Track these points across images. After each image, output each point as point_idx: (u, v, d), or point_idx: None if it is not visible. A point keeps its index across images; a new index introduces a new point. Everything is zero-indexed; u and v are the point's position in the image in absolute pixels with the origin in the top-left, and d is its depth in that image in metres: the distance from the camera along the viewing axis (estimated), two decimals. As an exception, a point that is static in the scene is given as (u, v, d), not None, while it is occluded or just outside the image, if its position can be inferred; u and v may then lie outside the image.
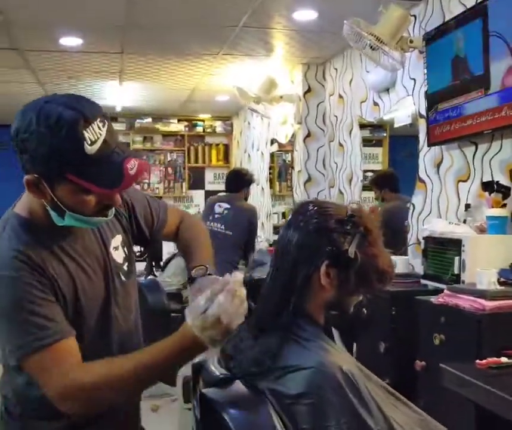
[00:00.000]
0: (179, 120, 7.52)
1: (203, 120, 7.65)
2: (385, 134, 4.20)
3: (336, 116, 4.54)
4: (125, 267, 1.43)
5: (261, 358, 1.27)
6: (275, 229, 5.75)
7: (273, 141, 5.76)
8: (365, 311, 2.95)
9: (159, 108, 6.96)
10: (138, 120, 7.34)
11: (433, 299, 2.38)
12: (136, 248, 8.30)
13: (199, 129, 7.64)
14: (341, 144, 4.45)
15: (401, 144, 4.04)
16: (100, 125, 1.17)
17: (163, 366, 1.22)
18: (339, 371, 1.18)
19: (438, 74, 2.90)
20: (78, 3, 3.27)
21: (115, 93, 5.84)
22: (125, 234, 1.47)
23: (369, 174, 4.24)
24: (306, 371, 1.18)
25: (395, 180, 4.00)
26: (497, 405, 1.75)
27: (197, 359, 1.42)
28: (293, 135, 5.04)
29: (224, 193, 4.65)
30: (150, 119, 7.39)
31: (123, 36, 3.88)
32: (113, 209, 1.30)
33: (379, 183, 4.08)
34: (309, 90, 4.78)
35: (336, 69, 4.53)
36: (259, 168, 6.26)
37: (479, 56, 2.54)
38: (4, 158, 7.71)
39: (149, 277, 3.52)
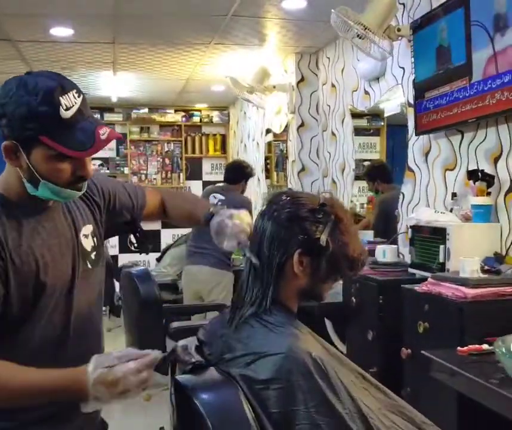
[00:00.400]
0: (176, 111, 7.51)
1: (199, 111, 7.64)
2: (382, 123, 4.18)
3: (329, 105, 4.54)
4: (93, 256, 1.46)
5: (232, 344, 1.29)
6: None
7: (268, 131, 5.76)
8: (354, 300, 2.99)
9: (155, 99, 6.95)
10: (134, 111, 7.34)
11: (417, 287, 2.39)
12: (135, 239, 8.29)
13: (196, 119, 7.63)
14: (333, 134, 4.45)
15: (398, 133, 4.03)
16: (76, 95, 1.26)
17: (47, 395, 1.23)
18: (308, 357, 1.20)
19: (424, 63, 2.90)
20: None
21: (109, 84, 5.84)
22: (96, 226, 1.50)
23: (367, 163, 4.24)
24: (276, 356, 1.20)
25: (387, 170, 4.01)
26: (476, 392, 1.77)
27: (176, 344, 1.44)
28: (287, 125, 5.04)
29: (221, 184, 4.65)
30: (146, 110, 7.38)
31: (114, 26, 3.89)
32: (86, 183, 1.34)
33: (370, 175, 4.09)
34: (302, 79, 4.77)
35: (328, 58, 4.52)
36: (254, 158, 6.26)
37: (461, 45, 2.54)
38: None
39: (141, 268, 3.53)
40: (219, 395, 1.17)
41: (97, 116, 7.26)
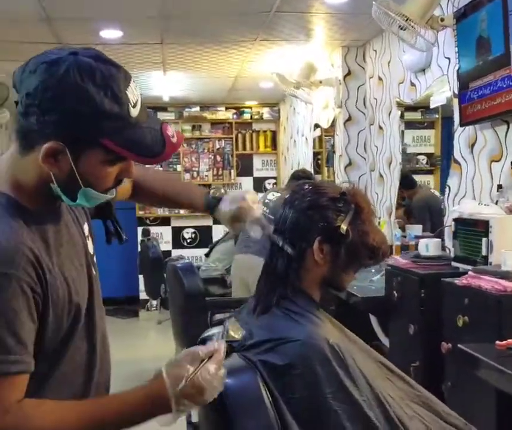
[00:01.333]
0: (226, 108, 7.61)
1: (250, 107, 7.70)
2: (436, 116, 4.10)
3: (376, 99, 4.49)
4: (94, 259, 1.27)
5: (254, 331, 1.33)
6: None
7: (316, 126, 5.75)
8: (396, 294, 2.96)
9: (206, 97, 7.06)
10: (186, 109, 7.48)
11: (457, 281, 2.35)
12: (188, 235, 8.41)
13: (246, 116, 7.70)
14: (380, 127, 4.40)
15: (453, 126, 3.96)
16: (134, 85, 1.04)
17: (127, 422, 1.07)
18: (326, 344, 1.23)
19: (467, 53, 2.84)
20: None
21: (160, 83, 5.98)
22: (89, 222, 1.29)
23: (421, 157, 4.18)
24: (294, 343, 1.23)
25: (407, 177, 4.03)
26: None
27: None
28: (334, 120, 5.02)
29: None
30: (198, 108, 7.51)
31: (161, 27, 3.99)
32: (118, 187, 1.14)
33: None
34: (349, 73, 4.74)
35: (375, 51, 4.48)
36: (303, 153, 6.26)
37: (500, 36, 2.48)
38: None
39: (185, 261, 3.61)
40: (238, 379, 1.21)
41: (151, 115, 7.45)
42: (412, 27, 2.90)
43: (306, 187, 1.41)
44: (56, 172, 1.03)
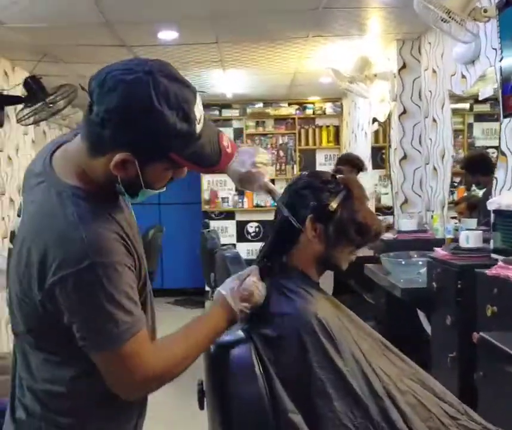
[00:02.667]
0: (289, 104, 7.72)
1: (313, 103, 7.77)
2: (507, 107, 4.03)
3: (430, 91, 4.46)
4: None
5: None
6: (389, 209, 5.67)
7: (374, 120, 5.75)
8: (435, 285, 2.98)
9: (269, 93, 7.19)
10: (250, 106, 7.65)
11: (487, 271, 2.36)
12: (252, 229, 8.60)
13: (309, 111, 7.77)
14: (434, 120, 4.37)
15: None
16: (199, 100, 1.13)
17: (212, 336, 1.31)
18: (314, 317, 1.32)
19: (509, 44, 2.81)
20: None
21: (222, 81, 6.16)
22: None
23: (491, 150, 4.11)
24: (286, 316, 1.35)
25: (488, 162, 3.84)
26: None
27: None
28: (390, 113, 5.02)
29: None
30: (261, 104, 7.66)
31: (214, 27, 4.14)
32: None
33: (471, 167, 3.94)
34: (404, 66, 4.72)
35: (430, 43, 4.44)
36: (363, 148, 6.27)
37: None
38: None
39: (233, 250, 3.76)
40: (234, 349, 1.33)
41: (216, 112, 7.68)
42: (454, 20, 2.91)
43: (304, 173, 1.52)
44: (123, 176, 1.14)
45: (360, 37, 4.59)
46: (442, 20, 2.97)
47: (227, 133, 7.49)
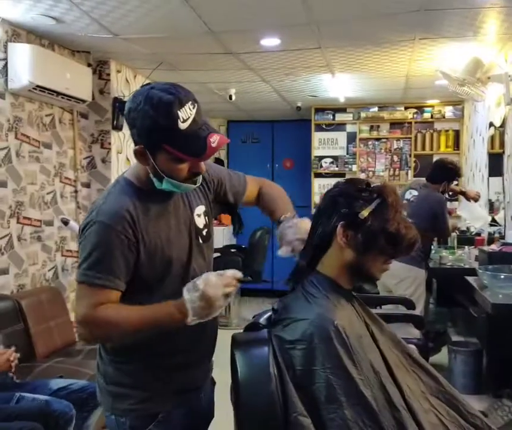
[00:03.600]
0: (406, 108, 7.51)
1: (431, 106, 7.49)
2: None
3: (548, 95, 4.15)
4: (204, 233, 1.74)
5: (280, 310, 1.49)
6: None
7: (491, 125, 5.44)
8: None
9: (383, 97, 7.05)
10: (364, 110, 7.56)
11: None
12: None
13: (427, 115, 7.50)
14: (550, 125, 4.06)
15: None
16: (191, 107, 1.47)
17: (155, 323, 1.50)
18: (331, 325, 1.34)
19: None
20: (271, 5, 3.60)
21: (332, 85, 6.16)
22: (208, 206, 1.78)
23: None
24: (304, 321, 1.37)
25: None
26: None
27: None
28: (505, 117, 4.72)
29: (423, 181, 4.60)
30: (376, 109, 7.54)
31: (315, 32, 4.16)
32: (200, 177, 1.60)
33: None
34: (520, 68, 4.43)
35: (549, 43, 4.13)
36: (480, 153, 5.94)
37: None
38: (256, 150, 8.85)
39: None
40: (252, 349, 1.38)
41: (330, 116, 7.69)
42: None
43: (341, 180, 1.52)
44: (147, 165, 1.55)
45: (472, 39, 4.38)
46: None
47: (340, 137, 7.58)
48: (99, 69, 5.09)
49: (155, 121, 1.45)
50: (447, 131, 7.50)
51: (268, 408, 1.29)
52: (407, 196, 4.33)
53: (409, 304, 3.56)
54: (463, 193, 5.15)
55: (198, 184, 1.62)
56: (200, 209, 1.74)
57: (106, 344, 1.65)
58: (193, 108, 1.47)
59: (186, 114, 1.45)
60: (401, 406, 1.29)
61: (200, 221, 1.73)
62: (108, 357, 1.66)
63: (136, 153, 1.53)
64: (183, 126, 1.45)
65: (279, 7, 3.63)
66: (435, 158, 7.50)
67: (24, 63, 3.93)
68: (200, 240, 1.72)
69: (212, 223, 1.81)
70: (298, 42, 4.40)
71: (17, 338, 3.60)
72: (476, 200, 5.00)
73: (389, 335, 1.47)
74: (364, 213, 1.41)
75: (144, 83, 5.28)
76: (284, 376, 1.32)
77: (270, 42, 4.35)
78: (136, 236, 1.53)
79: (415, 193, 4.30)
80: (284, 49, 4.55)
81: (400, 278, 4.06)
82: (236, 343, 1.42)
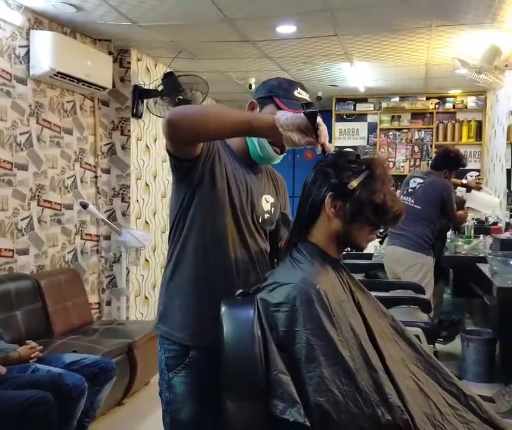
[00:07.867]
0: (427, 98, 7.46)
1: (454, 96, 7.43)
2: None
3: None
4: (265, 216, 1.81)
5: (268, 275, 1.55)
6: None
7: (511, 113, 5.39)
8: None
9: (405, 87, 7.02)
10: (385, 100, 7.53)
11: None
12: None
13: (449, 105, 7.44)
14: None
15: None
16: (306, 96, 1.75)
17: (241, 119, 1.55)
18: (313, 288, 1.38)
19: None
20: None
21: (351, 74, 6.15)
22: (277, 202, 1.88)
23: None
24: (288, 285, 1.42)
25: None
26: None
27: None
28: (524, 106, 4.68)
29: (426, 169, 4.61)
30: (397, 99, 7.51)
31: (330, 19, 4.18)
32: (281, 156, 1.76)
33: None
34: (539, 55, 4.39)
35: None
36: (501, 144, 5.89)
37: None
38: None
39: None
40: (238, 313, 1.44)
41: (350, 106, 7.69)
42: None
43: (333, 152, 1.55)
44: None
45: (489, 26, 4.34)
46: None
47: (361, 127, 7.57)
48: (120, 57, 5.19)
49: (279, 81, 1.76)
50: (469, 121, 7.44)
51: (250, 365, 1.34)
52: (412, 184, 4.33)
53: (419, 289, 3.58)
54: (465, 185, 5.15)
55: (278, 161, 1.76)
56: (270, 198, 1.84)
57: (188, 135, 1.58)
58: (306, 93, 1.76)
59: (302, 94, 1.73)
60: (380, 368, 1.33)
61: (265, 205, 1.82)
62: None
63: (249, 105, 1.77)
64: (297, 95, 1.71)
65: (293, -7, 3.67)
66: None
67: (46, 50, 4.05)
68: (257, 220, 1.78)
69: (275, 220, 1.87)
70: (314, 29, 4.43)
71: (35, 316, 3.73)
72: (479, 188, 4.98)
73: (375, 306, 1.50)
74: (353, 184, 1.45)
75: (166, 72, 5.41)
76: (267, 337, 1.37)
77: (286, 29, 4.39)
78: (219, 156, 1.70)
79: (420, 181, 4.30)
80: (300, 36, 4.58)
81: (408, 265, 4.08)
82: (224, 305, 1.47)
